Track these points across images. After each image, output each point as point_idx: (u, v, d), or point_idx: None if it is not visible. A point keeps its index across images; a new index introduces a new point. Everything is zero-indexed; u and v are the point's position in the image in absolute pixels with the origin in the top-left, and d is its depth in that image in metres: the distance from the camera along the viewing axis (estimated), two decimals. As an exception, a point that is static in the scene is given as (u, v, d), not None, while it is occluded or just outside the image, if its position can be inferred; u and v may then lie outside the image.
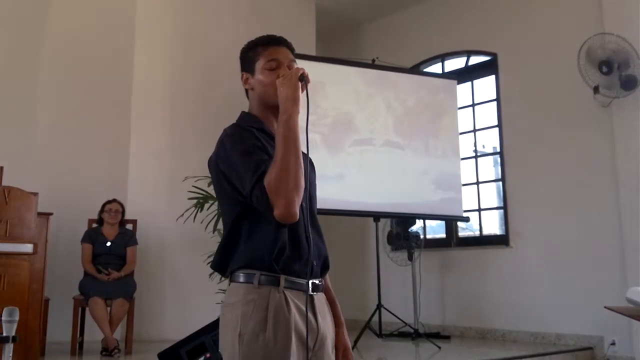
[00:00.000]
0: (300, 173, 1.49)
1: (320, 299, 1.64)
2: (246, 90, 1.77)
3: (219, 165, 1.62)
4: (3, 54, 5.45)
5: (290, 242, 1.55)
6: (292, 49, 1.74)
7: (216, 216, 5.03)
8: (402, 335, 5.67)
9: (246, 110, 1.78)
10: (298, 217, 1.49)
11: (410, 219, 5.97)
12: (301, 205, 1.56)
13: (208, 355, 3.48)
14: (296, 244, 1.55)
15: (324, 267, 1.68)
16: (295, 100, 1.55)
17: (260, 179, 1.48)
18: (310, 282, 1.59)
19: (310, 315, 1.57)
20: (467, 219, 6.03)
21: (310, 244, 1.59)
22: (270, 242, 1.54)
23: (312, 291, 1.59)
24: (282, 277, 1.53)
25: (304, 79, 1.58)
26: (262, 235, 1.54)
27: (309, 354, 1.53)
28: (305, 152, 1.55)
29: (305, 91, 1.59)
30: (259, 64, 1.70)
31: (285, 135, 1.51)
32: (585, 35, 5.06)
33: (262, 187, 1.47)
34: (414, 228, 6.01)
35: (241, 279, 1.56)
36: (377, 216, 5.64)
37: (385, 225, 6.19)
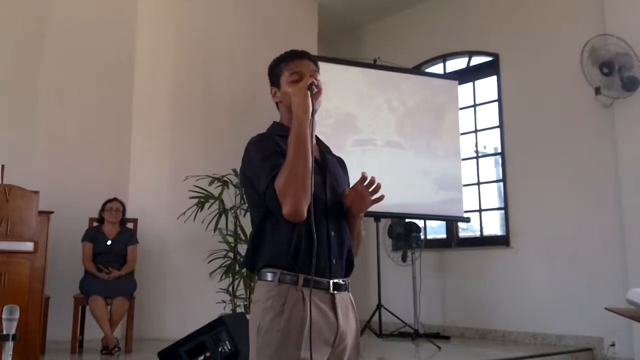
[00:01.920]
0: (308, 175, 1.59)
1: (343, 298, 1.72)
2: (276, 104, 1.88)
3: (245, 171, 1.75)
4: (5, 53, 5.45)
5: (307, 241, 1.61)
6: (314, 61, 1.85)
7: (217, 216, 5.03)
8: (402, 335, 5.67)
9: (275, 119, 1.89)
10: (305, 216, 1.58)
11: (414, 226, 5.97)
12: (325, 204, 1.70)
13: (208, 354, 3.49)
14: (312, 243, 1.60)
15: (349, 267, 1.75)
16: (305, 108, 1.66)
17: (273, 181, 1.61)
18: (332, 281, 1.67)
19: (330, 312, 1.65)
20: (467, 220, 6.02)
21: (326, 242, 1.68)
22: (286, 241, 1.64)
23: (334, 290, 1.68)
24: (301, 276, 1.62)
25: (312, 88, 1.69)
26: (280, 235, 1.65)
27: (307, 348, 1.57)
28: (309, 155, 1.63)
29: (315, 100, 1.69)
30: (283, 78, 1.81)
31: (296, 140, 1.62)
32: (587, 36, 5.06)
33: (273, 188, 1.61)
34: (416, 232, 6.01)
35: (266, 278, 1.66)
36: (377, 216, 5.64)
37: (386, 222, 6.19)
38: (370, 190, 1.71)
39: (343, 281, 1.71)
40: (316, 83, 1.71)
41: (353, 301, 1.77)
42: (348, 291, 1.74)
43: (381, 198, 1.73)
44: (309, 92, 1.68)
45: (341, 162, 1.95)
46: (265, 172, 1.64)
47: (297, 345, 1.57)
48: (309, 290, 1.60)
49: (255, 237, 1.71)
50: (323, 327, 1.63)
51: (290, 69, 1.80)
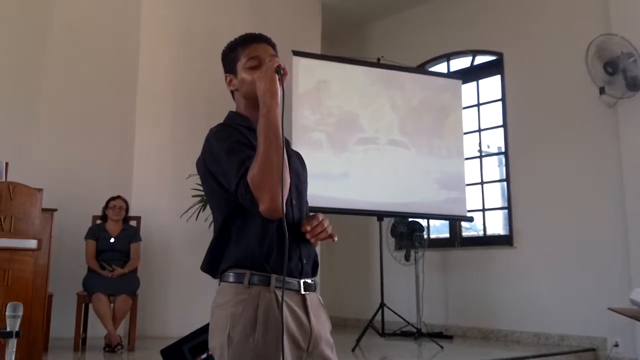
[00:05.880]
0: (283, 166, 1.45)
1: (313, 298, 1.61)
2: (232, 92, 1.73)
3: (206, 164, 1.58)
4: (8, 50, 5.46)
5: (279, 240, 1.50)
6: (272, 45, 1.72)
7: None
8: (404, 334, 5.67)
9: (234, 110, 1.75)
10: (284, 211, 1.44)
11: (417, 225, 5.97)
12: (290, 202, 1.57)
13: (210, 352, 3.49)
14: (284, 242, 1.48)
15: (315, 266, 1.66)
16: (273, 93, 1.51)
17: (244, 175, 1.46)
18: (302, 281, 1.58)
19: (302, 315, 1.56)
20: (471, 219, 6.02)
21: (295, 242, 1.56)
22: (258, 241, 1.52)
23: (305, 290, 1.58)
24: (273, 277, 1.51)
25: (280, 71, 1.54)
26: (251, 234, 1.52)
27: (281, 354, 1.47)
28: (282, 145, 1.48)
29: (282, 84, 1.55)
30: (240, 64, 1.67)
31: (266, 129, 1.47)
32: (592, 35, 5.04)
33: (245, 183, 1.45)
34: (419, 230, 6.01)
35: (231, 279, 1.54)
36: (380, 215, 5.64)
37: (389, 221, 6.19)
38: (317, 233, 1.57)
39: (312, 281, 1.62)
40: (283, 66, 1.55)
41: (322, 300, 1.67)
42: (316, 291, 1.65)
43: (331, 239, 1.61)
44: (276, 76, 1.53)
45: (300, 158, 1.79)
46: (234, 166, 1.48)
47: (276, 353, 1.45)
48: (282, 291, 1.48)
49: (219, 238, 1.57)
50: (297, 331, 1.53)
51: (248, 54, 1.65)
